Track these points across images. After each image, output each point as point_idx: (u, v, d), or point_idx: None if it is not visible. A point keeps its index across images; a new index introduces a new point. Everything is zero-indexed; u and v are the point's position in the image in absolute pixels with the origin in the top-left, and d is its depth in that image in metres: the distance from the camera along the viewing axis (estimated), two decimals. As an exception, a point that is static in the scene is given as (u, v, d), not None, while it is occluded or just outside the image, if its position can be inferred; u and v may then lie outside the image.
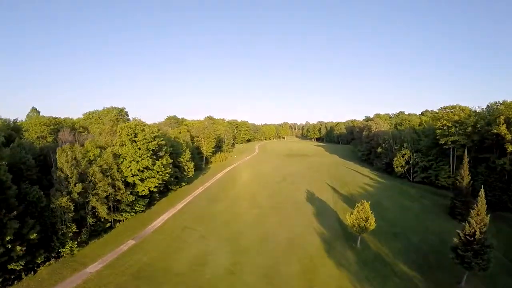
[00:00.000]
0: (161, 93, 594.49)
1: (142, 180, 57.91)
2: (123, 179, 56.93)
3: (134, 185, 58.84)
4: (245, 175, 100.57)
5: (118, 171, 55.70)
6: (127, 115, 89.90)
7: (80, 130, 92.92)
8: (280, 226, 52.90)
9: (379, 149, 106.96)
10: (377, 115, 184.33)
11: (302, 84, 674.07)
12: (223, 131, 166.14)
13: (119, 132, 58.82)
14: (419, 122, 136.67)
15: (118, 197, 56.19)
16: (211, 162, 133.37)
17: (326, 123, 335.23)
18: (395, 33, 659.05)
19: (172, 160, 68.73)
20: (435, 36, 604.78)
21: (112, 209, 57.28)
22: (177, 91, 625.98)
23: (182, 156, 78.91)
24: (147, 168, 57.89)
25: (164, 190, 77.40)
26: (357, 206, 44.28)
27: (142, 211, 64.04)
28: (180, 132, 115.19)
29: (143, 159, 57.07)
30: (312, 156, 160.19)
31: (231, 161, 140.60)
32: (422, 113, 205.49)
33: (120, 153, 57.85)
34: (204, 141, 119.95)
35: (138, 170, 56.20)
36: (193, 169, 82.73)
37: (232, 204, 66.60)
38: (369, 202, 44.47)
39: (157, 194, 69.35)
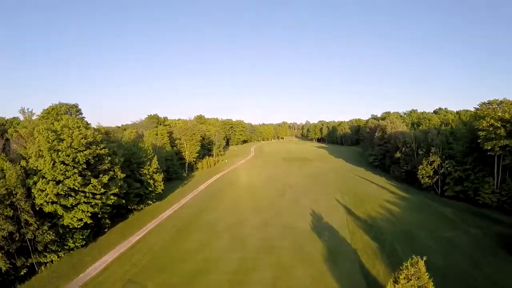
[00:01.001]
0: (153, 93, 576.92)
1: (67, 208, 39.29)
2: (37, 208, 38.46)
3: (59, 215, 40.30)
4: (233, 188, 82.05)
5: (27, 198, 37.19)
6: (81, 113, 71.26)
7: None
8: (273, 284, 34.36)
9: (398, 154, 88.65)
10: (388, 113, 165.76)
11: (302, 81, 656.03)
12: (214, 131, 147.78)
13: (37, 137, 40.21)
14: (439, 121, 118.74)
15: (28, 236, 37.83)
16: (196, 168, 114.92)
17: (327, 122, 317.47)
18: (396, 30, 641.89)
19: (124, 175, 50.25)
20: (436, 33, 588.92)
21: (31, 249, 39.29)
22: (172, 91, 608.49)
23: (146, 167, 60.41)
24: (74, 190, 39.24)
25: (124, 211, 59.26)
26: (406, 266, 25.64)
27: (82, 246, 45.90)
28: (157, 134, 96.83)
29: (67, 177, 38.44)
30: (315, 160, 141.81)
31: (221, 167, 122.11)
32: (435, 112, 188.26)
33: (37, 168, 39.28)
34: (186, 144, 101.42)
35: (57, 194, 37.53)
36: (162, 183, 64.24)
37: (207, 239, 47.98)
38: (425, 259, 25.82)
39: (107, 220, 50.98)
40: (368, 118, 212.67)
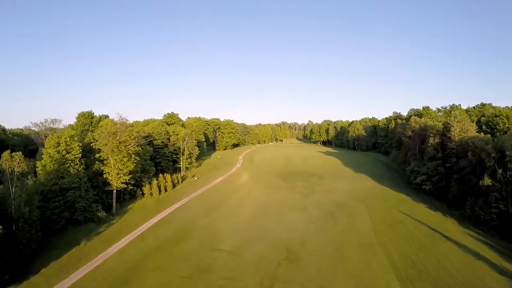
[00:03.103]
0: (153, 93, 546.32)
1: None
2: None
3: None
4: (170, 258, 42.69)
5: None
6: None
7: None
8: None
9: (487, 181, 50.06)
10: (426, 108, 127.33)
11: (302, 78, 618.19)
12: (182, 135, 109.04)
13: None
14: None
15: None
16: (142, 194, 76.03)
17: (335, 122, 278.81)
18: (396, 30, 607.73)
19: None
20: (436, 33, 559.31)
21: None
22: (171, 91, 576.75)
23: None
24: None
25: None
26: None
27: None
28: (59, 144, 58.32)
29: None
30: (327, 176, 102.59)
31: (182, 191, 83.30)
32: (476, 108, 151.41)
33: None
34: (112, 160, 62.38)
35: None
36: None
37: None
38: None
39: None
40: (390, 116, 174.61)
